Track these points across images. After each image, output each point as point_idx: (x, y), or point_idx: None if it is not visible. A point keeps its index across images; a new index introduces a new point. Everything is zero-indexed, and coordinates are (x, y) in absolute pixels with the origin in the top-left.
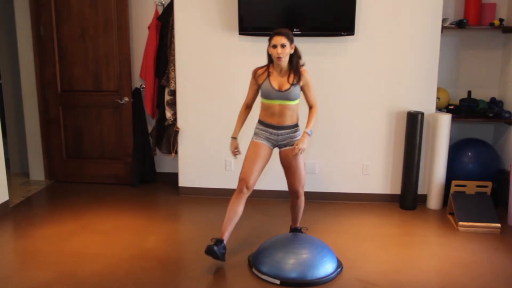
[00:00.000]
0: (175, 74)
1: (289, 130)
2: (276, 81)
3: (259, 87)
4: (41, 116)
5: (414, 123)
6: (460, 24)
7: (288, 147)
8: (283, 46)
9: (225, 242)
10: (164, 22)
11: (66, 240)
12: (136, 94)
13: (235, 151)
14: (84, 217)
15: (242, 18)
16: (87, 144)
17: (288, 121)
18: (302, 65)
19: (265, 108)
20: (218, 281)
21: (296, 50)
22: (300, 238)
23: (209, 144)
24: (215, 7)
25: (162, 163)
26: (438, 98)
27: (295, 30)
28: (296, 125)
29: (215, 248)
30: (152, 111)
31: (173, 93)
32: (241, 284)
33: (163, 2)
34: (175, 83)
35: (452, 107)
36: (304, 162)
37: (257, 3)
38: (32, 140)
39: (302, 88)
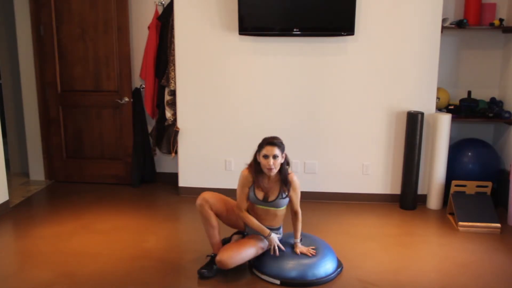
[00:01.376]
0: (175, 74)
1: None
2: (262, 190)
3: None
4: (41, 116)
5: (414, 123)
6: (460, 24)
7: None
8: (275, 157)
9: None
10: (164, 22)
11: (66, 240)
12: (136, 94)
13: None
14: (84, 217)
15: (242, 18)
16: (87, 144)
17: (269, 223)
18: (289, 172)
19: (251, 209)
20: (218, 281)
21: (285, 157)
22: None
23: (209, 144)
24: (215, 7)
25: (162, 163)
26: (438, 98)
27: (295, 30)
28: (277, 228)
29: (204, 272)
30: (152, 111)
31: (173, 93)
32: (241, 284)
33: (163, 2)
34: (175, 83)
35: (452, 107)
36: (252, 248)
37: (257, 3)
38: (32, 140)
39: (289, 195)
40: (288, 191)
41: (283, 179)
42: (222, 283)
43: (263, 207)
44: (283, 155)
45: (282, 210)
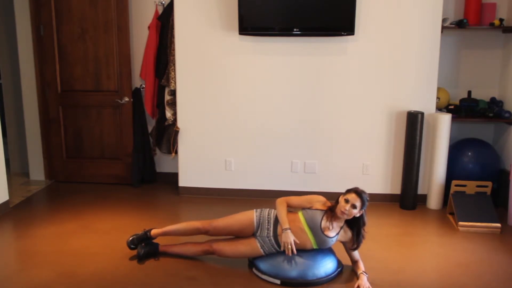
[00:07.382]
0: (175, 74)
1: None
2: (326, 221)
3: (309, 209)
4: (41, 116)
5: (414, 123)
6: (460, 24)
7: None
8: (354, 206)
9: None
10: (164, 22)
11: (66, 240)
12: (136, 94)
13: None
14: (84, 217)
15: (242, 18)
16: (87, 144)
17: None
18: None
19: (292, 220)
20: (218, 281)
21: (363, 216)
22: None
23: (209, 144)
24: (215, 7)
25: (162, 163)
26: (438, 98)
27: (295, 29)
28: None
29: (138, 248)
30: (152, 111)
31: (173, 93)
32: (241, 284)
33: (163, 2)
34: (175, 83)
35: (452, 107)
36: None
37: (257, 3)
38: (32, 140)
39: (351, 248)
40: (355, 246)
41: (356, 233)
42: (222, 283)
43: (309, 230)
44: (361, 211)
45: (312, 245)
